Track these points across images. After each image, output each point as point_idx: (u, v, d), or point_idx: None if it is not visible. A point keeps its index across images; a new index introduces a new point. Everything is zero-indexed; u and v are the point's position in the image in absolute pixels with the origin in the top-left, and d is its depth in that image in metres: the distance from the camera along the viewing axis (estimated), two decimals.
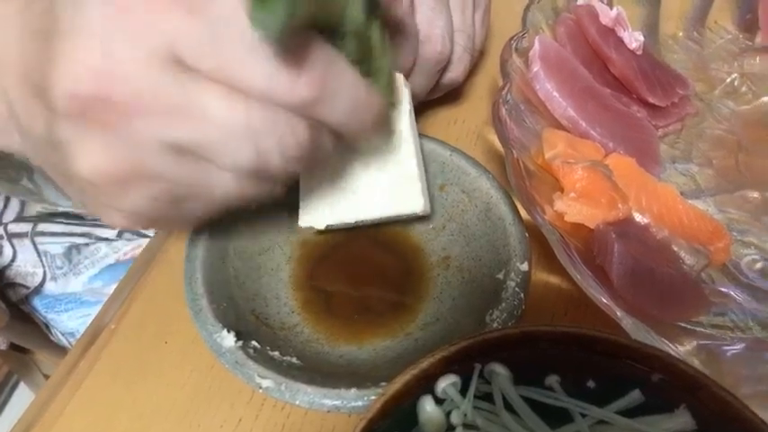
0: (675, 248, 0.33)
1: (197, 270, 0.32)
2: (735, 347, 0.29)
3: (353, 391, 0.27)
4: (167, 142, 0.22)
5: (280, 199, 0.30)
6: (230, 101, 0.22)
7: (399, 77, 0.34)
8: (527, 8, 0.42)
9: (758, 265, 0.36)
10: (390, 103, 0.32)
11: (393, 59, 0.31)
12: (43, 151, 0.24)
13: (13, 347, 0.81)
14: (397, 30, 0.34)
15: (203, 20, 0.21)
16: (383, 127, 0.32)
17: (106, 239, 0.68)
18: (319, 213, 0.34)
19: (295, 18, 0.20)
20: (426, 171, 0.36)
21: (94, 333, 0.35)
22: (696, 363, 0.26)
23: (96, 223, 0.67)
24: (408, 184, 0.33)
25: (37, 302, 0.69)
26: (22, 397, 1.15)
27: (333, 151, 0.27)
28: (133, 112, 0.21)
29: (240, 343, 0.29)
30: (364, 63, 0.27)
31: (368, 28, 0.26)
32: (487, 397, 0.24)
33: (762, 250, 0.36)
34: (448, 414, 0.23)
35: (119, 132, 0.22)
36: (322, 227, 0.34)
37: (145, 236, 0.66)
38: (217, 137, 0.22)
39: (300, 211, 0.34)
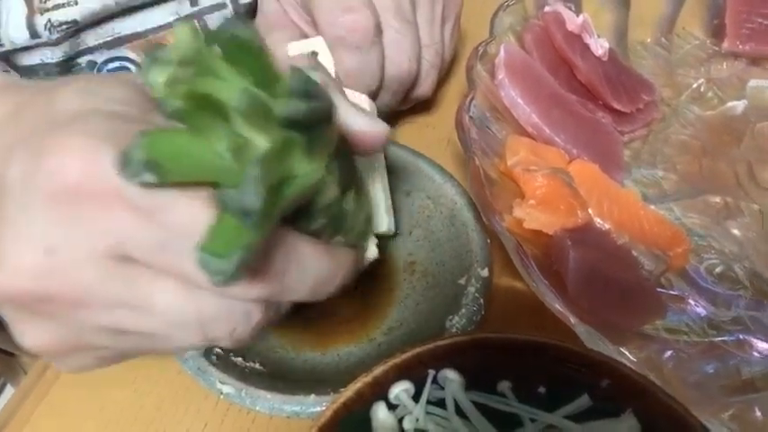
0: (635, 254, 0.34)
1: None
2: (684, 352, 0.29)
3: (312, 397, 0.28)
4: (112, 327, 0.22)
5: None
6: (180, 296, 0.21)
7: (363, 98, 0.35)
8: (495, 15, 0.43)
9: (717, 270, 0.36)
10: (362, 250, 0.31)
11: (365, 211, 0.30)
12: None
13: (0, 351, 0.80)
14: (360, 55, 0.35)
15: (155, 223, 0.20)
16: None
17: None
18: None
19: (247, 260, 0.18)
20: (394, 178, 0.37)
21: None
22: (646, 368, 0.26)
23: None
24: (375, 205, 0.33)
25: None
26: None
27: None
28: (74, 307, 0.21)
29: (203, 350, 0.29)
30: (335, 224, 0.26)
31: (341, 199, 0.25)
32: (440, 403, 0.24)
33: (722, 255, 0.37)
34: (401, 420, 0.24)
35: (61, 321, 0.22)
36: None
37: None
38: (163, 328, 0.22)
39: None
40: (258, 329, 0.23)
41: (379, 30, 0.35)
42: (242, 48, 0.19)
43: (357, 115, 0.26)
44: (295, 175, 0.21)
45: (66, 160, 0.19)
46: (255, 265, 0.20)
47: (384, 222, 0.33)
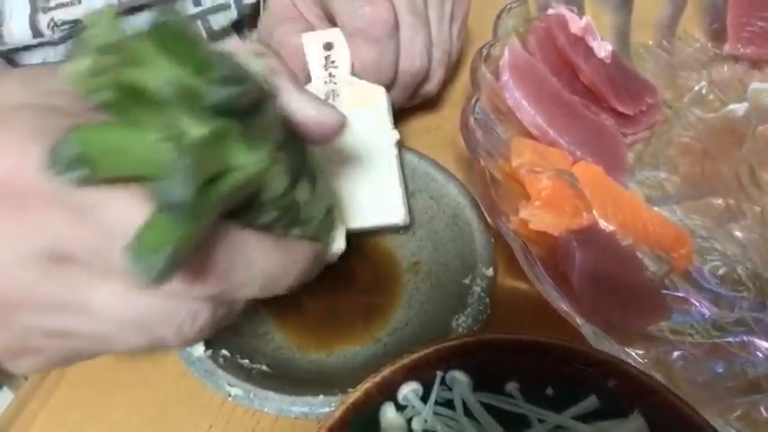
0: (639, 255, 0.34)
1: None
2: (691, 353, 0.29)
3: (321, 397, 0.28)
4: (54, 329, 0.21)
5: None
6: (119, 297, 0.20)
7: (381, 90, 0.35)
8: (498, 17, 0.43)
9: (721, 271, 0.36)
10: (325, 243, 0.30)
11: (329, 191, 0.29)
12: None
13: None
14: (378, 48, 0.36)
15: (89, 222, 0.19)
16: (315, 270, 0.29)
17: None
18: None
19: (180, 256, 0.18)
20: (404, 177, 0.37)
21: None
22: (652, 369, 0.26)
23: None
24: (390, 195, 0.34)
25: None
26: (6, 401, 1.14)
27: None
28: (12, 309, 0.21)
29: (210, 352, 0.29)
30: (288, 217, 0.25)
31: (291, 191, 0.24)
32: (449, 403, 0.24)
33: (724, 257, 0.37)
34: (409, 420, 0.24)
35: (1, 324, 0.21)
36: None
37: None
38: (105, 330, 0.21)
39: None
40: (209, 328, 0.23)
41: (397, 24, 0.36)
42: (173, 36, 0.18)
43: (307, 103, 0.25)
44: (234, 167, 0.20)
45: None
46: (197, 261, 0.20)
47: (400, 214, 0.33)
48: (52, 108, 0.20)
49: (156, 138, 0.18)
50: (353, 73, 0.37)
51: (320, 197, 0.27)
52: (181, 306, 0.21)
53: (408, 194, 0.38)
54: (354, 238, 0.37)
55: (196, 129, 0.19)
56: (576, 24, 0.44)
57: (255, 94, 0.21)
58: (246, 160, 0.21)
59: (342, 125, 0.26)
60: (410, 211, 0.38)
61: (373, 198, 0.33)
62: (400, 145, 0.36)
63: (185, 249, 0.18)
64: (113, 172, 0.19)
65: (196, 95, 0.18)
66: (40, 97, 0.21)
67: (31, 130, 0.19)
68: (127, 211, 0.19)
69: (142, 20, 0.44)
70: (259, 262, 0.22)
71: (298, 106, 0.25)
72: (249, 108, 0.20)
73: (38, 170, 0.18)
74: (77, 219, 0.19)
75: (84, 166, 0.18)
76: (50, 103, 0.21)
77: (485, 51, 0.40)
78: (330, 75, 0.37)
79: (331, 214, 0.30)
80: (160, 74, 0.18)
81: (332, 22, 0.38)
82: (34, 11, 0.39)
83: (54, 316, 0.21)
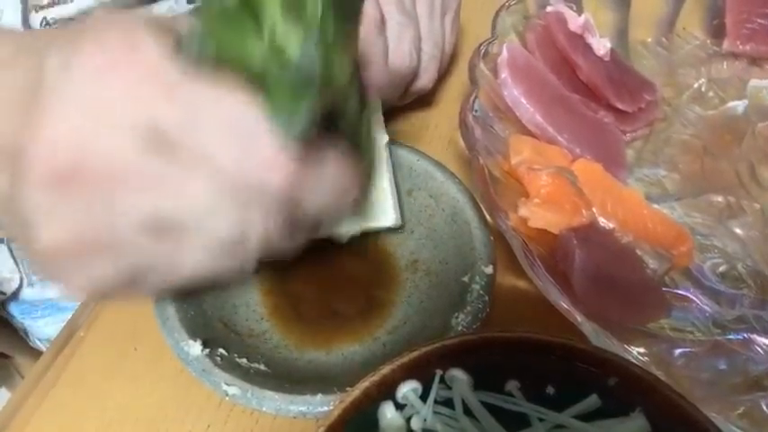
0: (639, 253, 0.34)
1: None
2: (692, 350, 0.29)
3: (320, 396, 0.28)
4: (141, 216, 0.21)
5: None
6: (213, 182, 0.21)
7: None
8: (497, 14, 0.43)
9: (721, 269, 0.36)
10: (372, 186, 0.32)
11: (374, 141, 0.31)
12: (2, 209, 0.23)
13: None
14: (365, 48, 0.35)
15: (193, 105, 0.20)
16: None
17: None
18: None
19: (313, 121, 0.20)
20: (395, 177, 0.36)
21: (65, 340, 0.35)
22: (653, 366, 0.26)
23: None
24: (381, 198, 0.33)
25: (14, 309, 0.68)
26: (3, 400, 1.14)
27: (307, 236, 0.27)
28: (108, 187, 0.21)
29: (207, 351, 0.29)
30: (352, 144, 0.26)
31: (360, 121, 0.26)
32: (448, 402, 0.24)
33: (725, 254, 0.37)
34: (408, 419, 0.24)
35: (91, 206, 0.21)
36: None
37: None
38: (194, 214, 0.22)
39: None
40: (279, 238, 0.24)
41: (383, 21, 0.35)
42: None
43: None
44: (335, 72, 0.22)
45: (105, 38, 0.20)
46: (281, 152, 0.21)
47: (391, 217, 0.33)
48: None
49: (264, 40, 0.20)
50: None
51: (372, 141, 0.29)
52: (262, 200, 0.22)
53: (402, 194, 0.38)
54: (351, 237, 0.37)
55: (301, 34, 0.20)
56: (575, 22, 0.43)
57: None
58: (342, 62, 0.22)
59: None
60: (406, 210, 0.38)
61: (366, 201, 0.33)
62: (390, 147, 0.36)
63: (315, 117, 0.20)
64: (224, 64, 0.20)
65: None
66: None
67: (139, 23, 0.21)
68: (233, 101, 0.20)
69: (163, 9, 0.44)
70: (331, 170, 0.23)
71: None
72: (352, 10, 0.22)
73: (150, 48, 0.20)
74: (184, 101, 0.20)
75: (199, 53, 0.20)
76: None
77: (483, 49, 0.40)
78: None
79: (375, 165, 0.32)
80: None
81: None
82: (26, 10, 0.39)
83: (145, 196, 0.21)
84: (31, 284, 0.66)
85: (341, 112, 0.24)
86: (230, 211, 0.22)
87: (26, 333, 0.72)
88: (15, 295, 0.67)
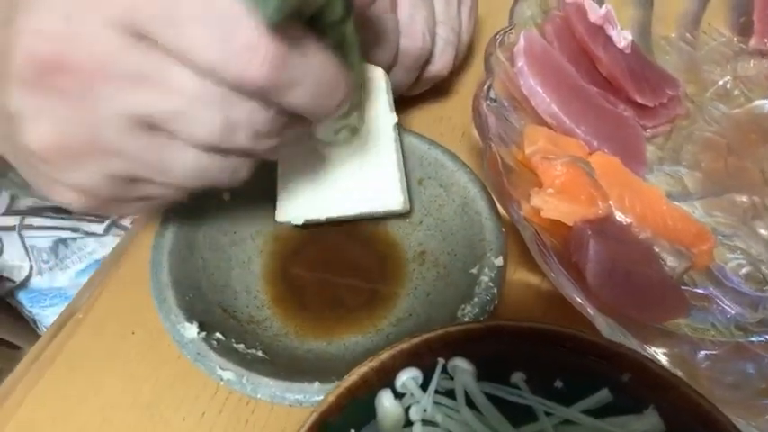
0: (657, 249, 0.32)
1: (164, 259, 0.31)
2: (712, 352, 0.28)
3: (317, 384, 0.27)
4: (127, 112, 0.22)
5: (252, 190, 0.29)
6: (197, 76, 0.21)
7: (379, 72, 0.34)
8: (515, 3, 0.42)
9: (744, 270, 0.35)
10: (358, 100, 0.32)
11: (362, 57, 0.30)
12: None
13: (2, 343, 0.80)
14: (376, 27, 0.34)
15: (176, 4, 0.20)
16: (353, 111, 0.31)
17: (94, 234, 0.67)
18: (297, 208, 0.33)
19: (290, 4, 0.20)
20: (405, 166, 0.35)
21: (64, 321, 0.35)
22: (671, 365, 0.25)
23: (84, 218, 0.67)
24: (387, 180, 0.32)
25: (23, 297, 0.69)
26: None
27: (297, 136, 0.26)
28: (93, 79, 0.21)
29: (203, 334, 0.28)
30: (339, 50, 0.26)
31: (343, 23, 0.26)
32: (450, 393, 0.23)
33: (748, 255, 0.35)
34: (407, 409, 0.23)
35: (76, 102, 0.21)
36: (300, 222, 0.33)
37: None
38: (183, 106, 0.22)
39: (278, 206, 0.33)
40: (269, 133, 0.24)
41: (394, 3, 0.34)
42: None
43: None
44: None
45: None
46: (263, 44, 0.21)
47: (398, 200, 0.32)
48: None
49: None
50: None
51: (357, 49, 0.28)
52: (246, 91, 0.22)
53: (413, 183, 0.37)
54: (357, 224, 0.36)
55: None
56: (596, 13, 0.42)
57: None
58: None
59: None
60: (416, 199, 0.37)
61: (371, 183, 0.32)
62: (399, 129, 0.35)
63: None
64: None
65: None
66: None
67: None
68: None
69: None
70: (316, 66, 0.23)
71: None
72: None
73: None
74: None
75: None
76: None
77: (499, 38, 0.38)
78: None
79: (359, 91, 0.31)
80: None
81: None
82: None
83: (130, 92, 0.21)
84: (40, 273, 0.66)
85: (324, 14, 0.24)
86: (215, 103, 0.22)
87: (35, 323, 0.72)
88: (25, 283, 0.67)
